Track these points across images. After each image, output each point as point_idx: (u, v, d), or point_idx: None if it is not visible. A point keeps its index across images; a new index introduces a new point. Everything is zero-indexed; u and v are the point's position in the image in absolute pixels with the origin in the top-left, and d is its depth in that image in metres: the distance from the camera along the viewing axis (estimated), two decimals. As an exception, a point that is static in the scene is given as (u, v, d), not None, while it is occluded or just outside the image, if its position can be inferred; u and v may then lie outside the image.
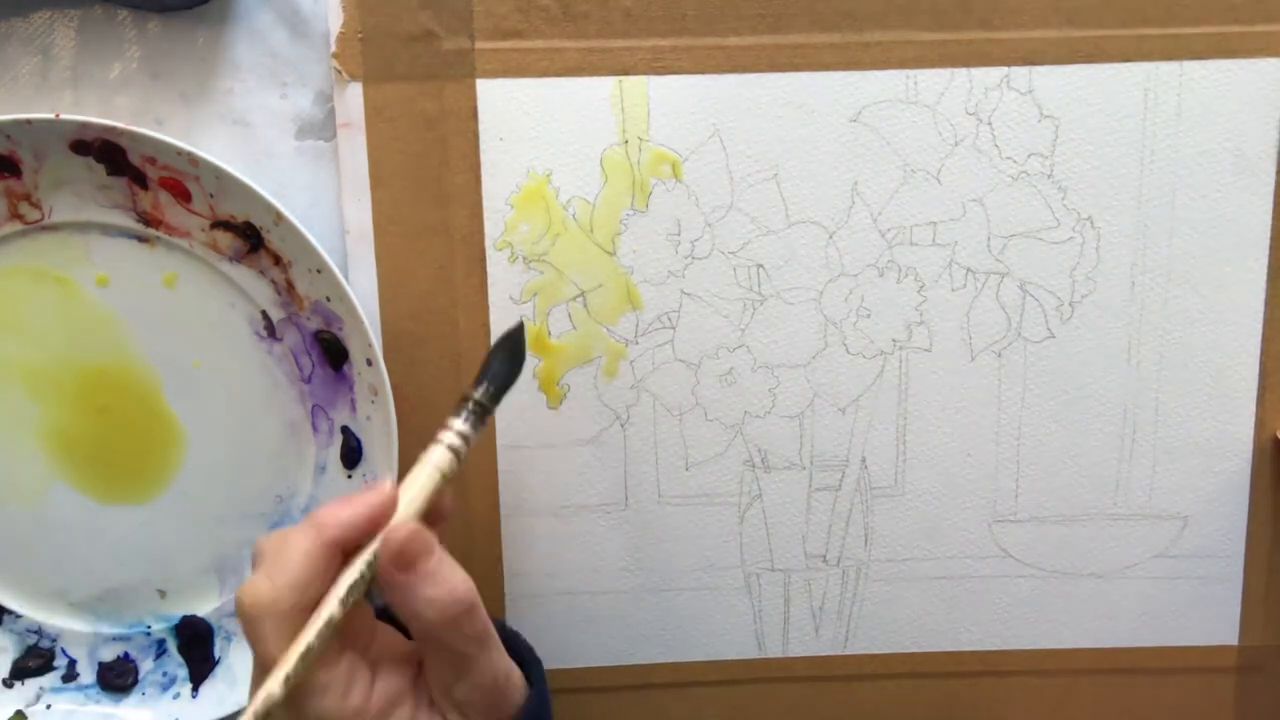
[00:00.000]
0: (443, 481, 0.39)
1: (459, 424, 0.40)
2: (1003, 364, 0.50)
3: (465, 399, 0.41)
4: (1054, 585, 0.52)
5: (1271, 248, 0.48)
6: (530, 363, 0.49)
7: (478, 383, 0.41)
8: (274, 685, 0.35)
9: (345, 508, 0.38)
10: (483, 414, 0.41)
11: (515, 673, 0.41)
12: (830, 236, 0.48)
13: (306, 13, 0.46)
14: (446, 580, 0.37)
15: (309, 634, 0.36)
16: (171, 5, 0.45)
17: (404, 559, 0.37)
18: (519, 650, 0.44)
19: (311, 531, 0.37)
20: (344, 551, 0.38)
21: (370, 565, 0.38)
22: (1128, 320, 0.49)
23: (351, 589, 0.37)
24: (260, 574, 0.36)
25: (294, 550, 0.36)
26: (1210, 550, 0.51)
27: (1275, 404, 0.50)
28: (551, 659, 0.49)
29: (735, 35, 0.47)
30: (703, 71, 0.47)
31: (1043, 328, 0.49)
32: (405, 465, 0.48)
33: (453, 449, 0.40)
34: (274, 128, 0.47)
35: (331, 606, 0.37)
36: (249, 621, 0.36)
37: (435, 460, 0.39)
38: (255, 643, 0.36)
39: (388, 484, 0.39)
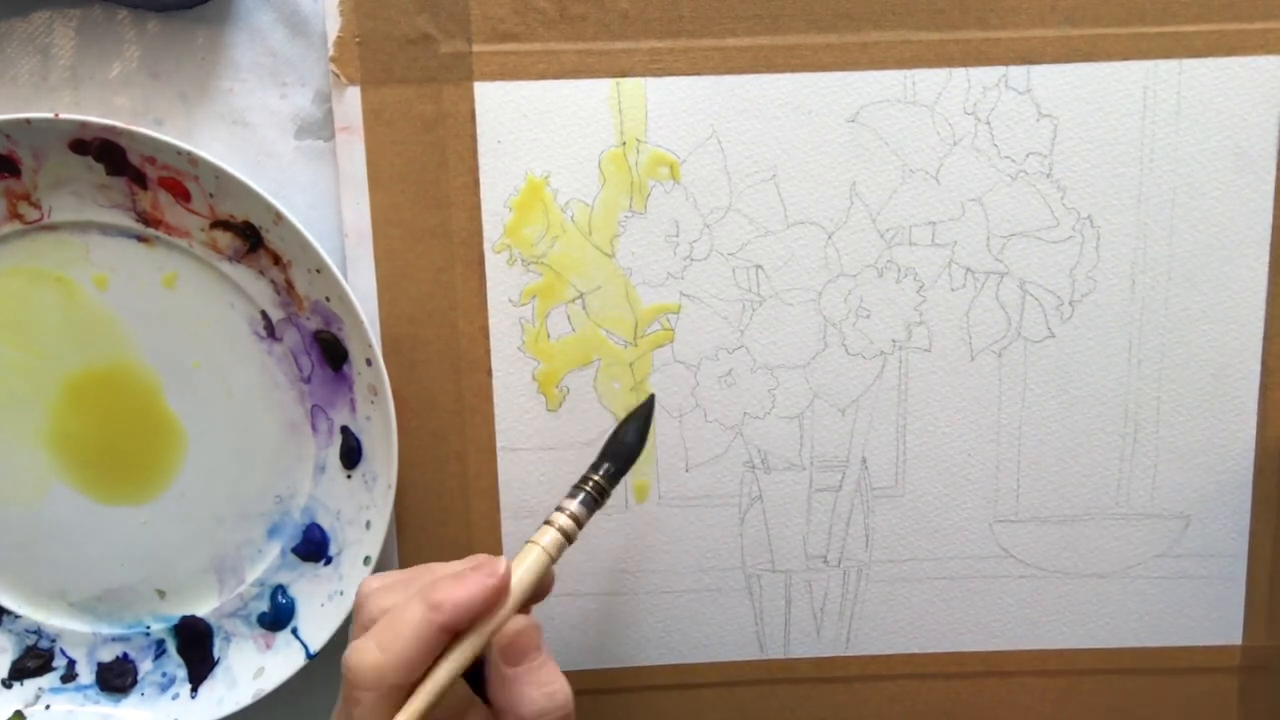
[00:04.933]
0: (550, 563, 0.40)
1: (573, 506, 0.41)
2: (1003, 364, 0.49)
3: (585, 480, 0.42)
4: (1056, 585, 0.52)
5: (1272, 245, 0.48)
6: (530, 365, 0.49)
7: (600, 461, 0.43)
8: None
9: (462, 589, 0.37)
10: (600, 496, 0.42)
11: None
12: (829, 237, 0.48)
13: (306, 12, 0.46)
14: (548, 683, 0.38)
15: (407, 715, 0.36)
16: (171, 5, 0.46)
17: (513, 653, 0.37)
18: None
19: (428, 612, 0.36)
20: (454, 632, 0.37)
21: (474, 650, 0.37)
22: (1128, 319, 0.49)
23: (454, 675, 0.37)
24: (372, 641, 0.36)
25: (408, 627, 0.36)
26: (1213, 550, 0.51)
27: (1277, 402, 0.50)
28: (551, 661, 0.49)
29: (733, 36, 0.47)
30: (700, 73, 0.47)
31: (1043, 327, 0.49)
32: (405, 466, 0.49)
33: (564, 531, 0.40)
34: (273, 127, 0.47)
35: (430, 691, 0.36)
36: (352, 687, 0.36)
37: (545, 544, 0.40)
38: (352, 707, 0.36)
39: (502, 565, 0.38)
